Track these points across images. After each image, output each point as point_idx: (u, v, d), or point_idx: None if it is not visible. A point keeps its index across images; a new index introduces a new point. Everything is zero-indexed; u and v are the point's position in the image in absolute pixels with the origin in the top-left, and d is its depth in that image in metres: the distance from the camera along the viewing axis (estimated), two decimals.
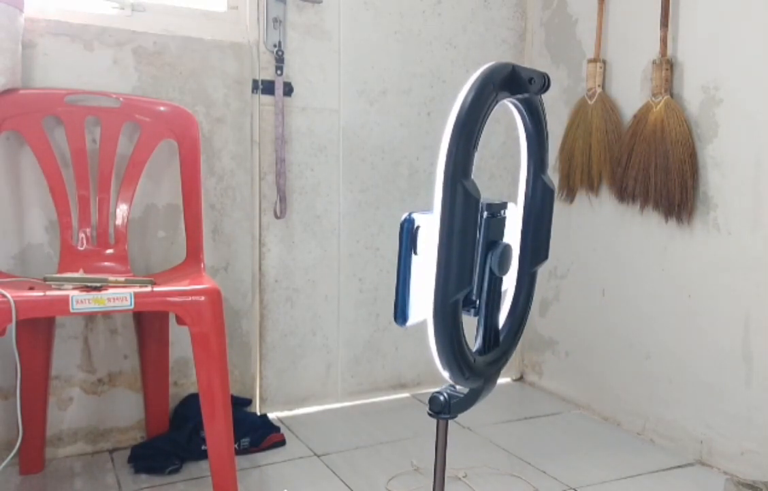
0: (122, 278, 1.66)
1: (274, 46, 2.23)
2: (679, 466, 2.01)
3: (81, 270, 1.80)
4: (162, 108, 2.01)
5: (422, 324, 1.06)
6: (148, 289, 1.59)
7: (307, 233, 2.35)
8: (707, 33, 2.01)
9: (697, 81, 2.03)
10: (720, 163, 1.98)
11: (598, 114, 2.31)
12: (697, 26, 2.03)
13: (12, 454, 1.66)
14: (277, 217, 2.27)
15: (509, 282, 1.22)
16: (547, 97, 1.16)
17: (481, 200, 1.04)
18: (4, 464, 1.69)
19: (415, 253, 1.02)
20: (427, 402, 1.16)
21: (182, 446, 1.94)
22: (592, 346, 2.44)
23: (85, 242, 1.90)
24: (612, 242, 2.34)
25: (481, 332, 1.16)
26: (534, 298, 2.53)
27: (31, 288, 1.58)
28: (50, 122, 1.89)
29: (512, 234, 1.19)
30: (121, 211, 1.94)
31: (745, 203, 1.92)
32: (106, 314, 2.00)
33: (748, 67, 1.90)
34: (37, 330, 1.81)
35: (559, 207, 2.53)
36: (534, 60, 2.65)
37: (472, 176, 0.99)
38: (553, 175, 2.52)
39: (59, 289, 1.56)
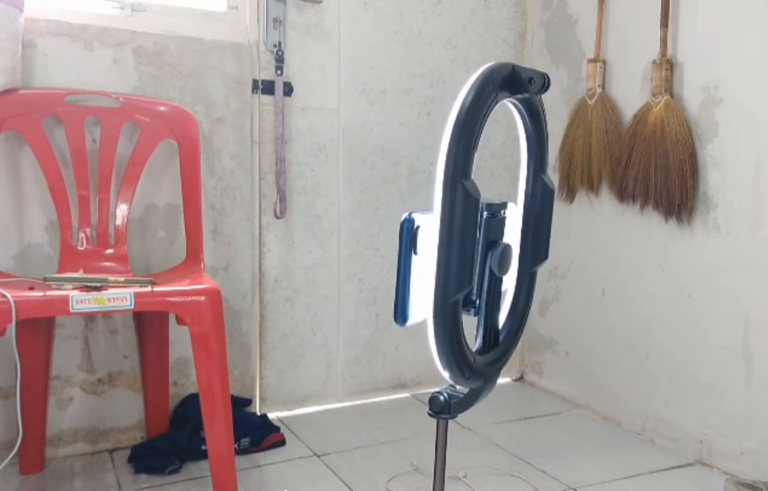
0: (122, 278, 1.66)
1: (274, 46, 2.23)
2: (679, 466, 2.01)
3: (81, 270, 1.80)
4: (162, 108, 2.01)
5: (422, 324, 1.06)
6: (148, 289, 1.59)
7: (307, 233, 2.35)
8: (707, 33, 2.01)
9: (697, 81, 2.03)
10: (720, 163, 1.98)
11: (598, 114, 2.31)
12: (697, 26, 2.03)
13: (12, 454, 1.66)
14: (277, 217, 2.27)
15: (509, 282, 1.22)
16: (547, 97, 1.16)
17: (481, 200, 1.04)
18: (4, 464, 1.69)
19: (415, 253, 1.02)
20: (427, 402, 1.16)
21: (182, 446, 1.94)
22: (592, 346, 2.44)
23: (85, 242, 1.90)
24: (612, 242, 2.34)
25: (481, 332, 1.16)
26: (534, 298, 2.54)
27: (31, 288, 1.58)
28: (50, 122, 1.89)
29: (512, 234, 1.19)
30: (121, 211, 1.94)
31: (745, 203, 1.92)
32: (106, 314, 2.00)
33: (748, 67, 1.90)
34: (37, 330, 1.81)
35: (559, 207, 2.52)
36: (534, 60, 2.65)
37: (472, 176, 0.99)
38: (553, 175, 2.52)
39: (59, 289, 1.56)
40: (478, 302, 1.12)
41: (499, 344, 1.19)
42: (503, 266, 1.11)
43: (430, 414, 1.15)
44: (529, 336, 2.73)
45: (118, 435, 2.06)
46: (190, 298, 1.63)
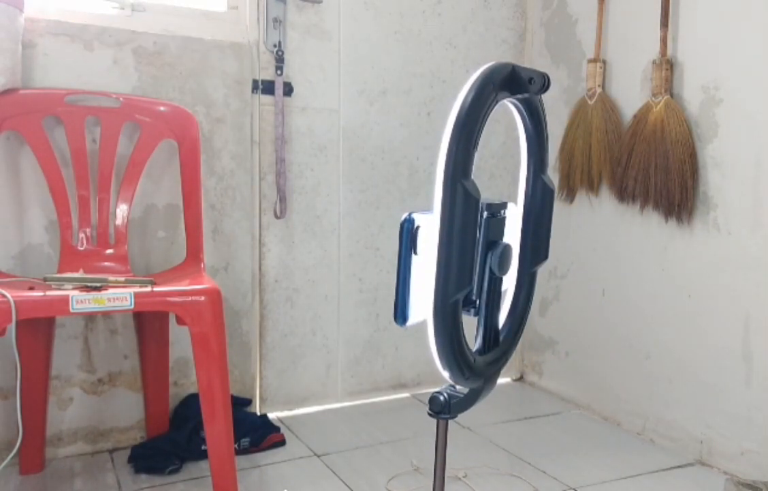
0: (122, 278, 1.66)
1: (274, 46, 2.23)
2: (679, 466, 2.01)
3: (81, 270, 1.80)
4: (162, 108, 2.01)
5: (422, 324, 1.06)
6: (148, 289, 1.59)
7: (307, 233, 2.35)
8: (707, 33, 2.01)
9: (697, 81, 2.03)
10: (720, 163, 1.98)
11: (598, 114, 2.31)
12: (697, 26, 2.03)
13: (12, 454, 1.66)
14: (277, 217, 2.27)
15: (509, 282, 1.22)
16: (547, 97, 1.16)
17: (481, 200, 1.04)
18: (4, 464, 1.70)
19: (415, 253, 1.02)
20: (427, 401, 1.16)
21: (182, 446, 1.94)
22: (592, 346, 2.44)
23: (85, 242, 1.90)
24: (612, 242, 2.34)
25: (481, 332, 1.16)
26: (534, 298, 2.54)
27: (31, 288, 1.58)
28: (50, 122, 1.89)
29: (512, 234, 1.19)
30: (121, 211, 1.94)
31: (745, 203, 1.92)
32: (106, 314, 2.00)
33: (748, 67, 1.90)
34: (37, 330, 1.81)
35: (559, 207, 2.52)
36: (534, 60, 2.65)
37: (472, 176, 0.99)
38: (553, 175, 2.52)
39: (59, 289, 1.56)
40: (478, 302, 1.12)
41: (499, 344, 1.19)
42: (503, 266, 1.11)
43: (430, 414, 1.15)
44: (529, 336, 2.73)
45: (118, 435, 2.06)
46: (190, 298, 1.63)
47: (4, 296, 1.45)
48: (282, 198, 2.26)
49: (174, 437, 1.97)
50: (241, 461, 1.93)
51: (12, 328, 1.49)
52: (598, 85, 2.33)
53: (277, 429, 2.12)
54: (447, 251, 0.98)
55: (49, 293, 1.53)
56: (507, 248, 1.11)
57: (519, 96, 1.11)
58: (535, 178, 1.19)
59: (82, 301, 1.51)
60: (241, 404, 2.18)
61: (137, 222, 2.03)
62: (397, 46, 2.45)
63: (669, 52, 2.09)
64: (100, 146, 1.93)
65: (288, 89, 2.26)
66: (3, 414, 1.90)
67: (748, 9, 1.89)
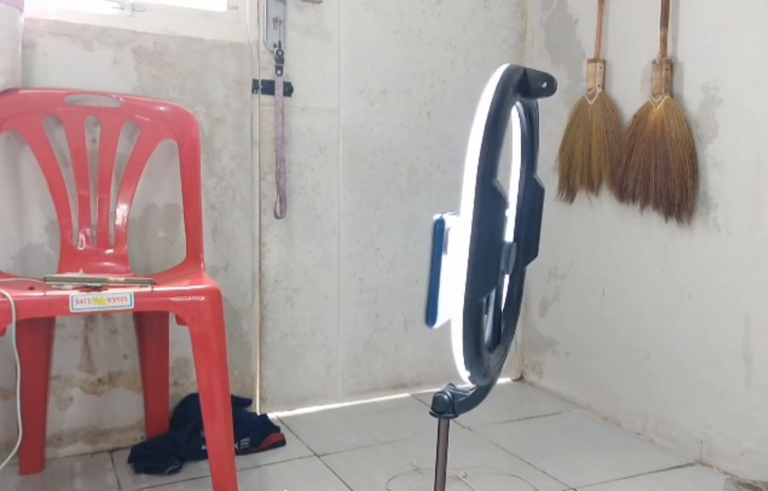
0: (122, 278, 1.65)
1: (274, 46, 2.23)
2: (679, 466, 2.01)
3: (81, 270, 1.80)
4: (162, 108, 2.01)
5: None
6: (148, 289, 1.59)
7: (307, 233, 2.35)
8: (707, 33, 2.01)
9: (697, 81, 2.03)
10: (720, 163, 1.98)
11: (598, 114, 2.31)
12: (697, 26, 2.03)
13: (12, 454, 1.66)
14: (277, 217, 2.27)
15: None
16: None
17: None
18: (4, 464, 1.69)
19: (446, 254, 1.02)
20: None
21: (182, 446, 1.94)
22: (592, 346, 2.44)
23: (85, 242, 1.90)
24: (612, 242, 2.34)
25: (490, 329, 1.16)
26: (534, 298, 2.55)
27: (31, 288, 1.58)
28: (50, 122, 1.89)
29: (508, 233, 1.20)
30: (121, 211, 1.94)
31: (745, 203, 1.92)
32: (106, 314, 2.00)
33: (748, 67, 1.90)
34: (37, 330, 1.81)
35: (559, 207, 2.53)
36: (534, 60, 2.65)
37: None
38: (553, 175, 2.52)
39: (59, 289, 1.56)
40: (485, 300, 1.13)
41: (500, 341, 1.20)
42: (510, 264, 1.12)
43: (432, 414, 1.16)
44: (529, 336, 2.73)
45: (118, 435, 2.06)
46: (190, 298, 1.63)
47: (4, 296, 1.45)
48: (282, 198, 2.26)
49: (174, 437, 1.97)
50: (241, 461, 1.93)
51: (12, 328, 1.49)
52: (598, 85, 2.33)
53: (277, 429, 2.12)
54: (478, 251, 0.99)
55: (49, 293, 1.53)
56: (513, 247, 1.12)
57: (527, 99, 1.12)
58: (527, 178, 1.20)
59: (82, 301, 1.51)
60: (241, 404, 2.18)
61: (137, 222, 2.03)
62: (397, 46, 2.45)
63: (669, 52, 2.10)
64: (100, 146, 1.93)
65: (288, 89, 2.26)
66: (3, 414, 1.90)
67: (748, 9, 1.89)
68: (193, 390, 2.13)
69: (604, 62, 2.34)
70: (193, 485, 1.83)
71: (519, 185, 1.20)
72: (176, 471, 1.89)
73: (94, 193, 1.92)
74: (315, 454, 2.04)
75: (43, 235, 1.93)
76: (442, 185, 2.57)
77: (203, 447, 1.86)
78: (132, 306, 1.56)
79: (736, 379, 1.94)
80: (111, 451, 2.03)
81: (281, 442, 2.09)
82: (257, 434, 2.05)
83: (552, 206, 2.54)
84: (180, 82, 2.07)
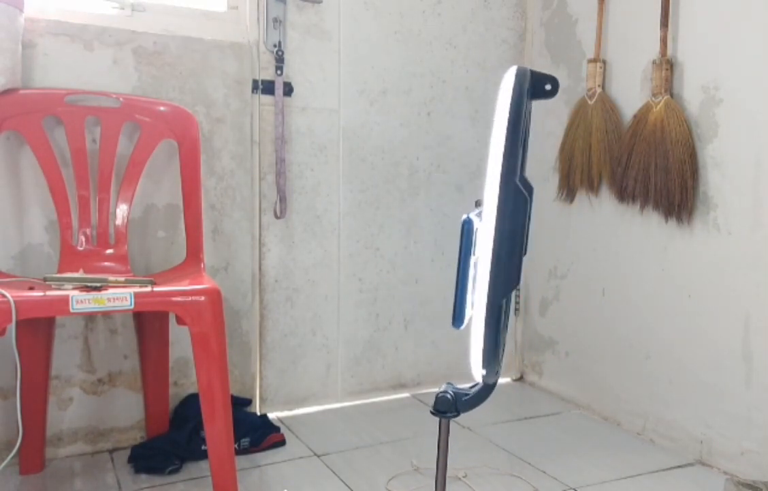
0: (122, 278, 1.65)
1: (274, 46, 2.23)
2: (679, 466, 2.01)
3: (81, 270, 1.80)
4: (162, 108, 2.00)
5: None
6: (148, 289, 1.59)
7: (307, 233, 2.35)
8: (707, 33, 2.01)
9: (697, 81, 2.03)
10: (720, 163, 1.98)
11: (598, 114, 2.31)
12: (697, 26, 2.03)
13: (12, 454, 1.66)
14: (277, 217, 2.27)
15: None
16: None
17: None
18: (4, 464, 1.69)
19: (473, 254, 1.03)
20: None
21: (182, 446, 1.94)
22: (592, 346, 2.44)
23: (85, 242, 1.90)
24: (612, 242, 2.34)
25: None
26: (534, 298, 2.55)
27: (31, 288, 1.58)
28: (50, 122, 1.89)
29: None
30: (121, 211, 1.94)
31: (745, 203, 1.92)
32: (106, 314, 2.00)
33: (748, 67, 1.90)
34: (37, 330, 1.81)
35: (559, 207, 2.53)
36: (534, 60, 2.66)
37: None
38: (553, 175, 2.53)
39: (59, 289, 1.56)
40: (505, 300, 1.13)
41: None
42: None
43: (434, 413, 1.16)
44: (529, 336, 2.73)
45: (118, 435, 2.06)
46: (190, 298, 1.63)
47: (4, 296, 1.45)
48: (282, 198, 2.26)
49: (174, 437, 1.96)
50: (241, 461, 1.93)
51: (12, 328, 1.49)
52: (598, 85, 2.33)
53: (277, 429, 2.12)
54: (502, 251, 0.99)
55: (49, 293, 1.53)
56: None
57: (530, 100, 1.13)
58: (520, 177, 1.21)
59: (82, 301, 1.51)
60: (241, 404, 2.18)
61: (137, 222, 2.03)
62: (397, 46, 2.45)
63: (669, 52, 2.10)
64: (100, 146, 1.93)
65: (288, 89, 2.26)
66: (3, 414, 1.90)
67: (748, 9, 1.89)
68: (193, 390, 2.13)
69: (604, 62, 2.34)
70: (193, 485, 1.83)
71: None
72: (176, 471, 1.89)
73: (94, 193, 1.92)
74: (315, 454, 2.04)
75: (43, 235, 1.93)
76: (442, 185, 2.57)
77: (203, 447, 1.86)
78: (132, 306, 1.56)
79: (736, 379, 1.94)
80: (111, 451, 2.03)
81: (281, 442, 2.09)
82: (257, 434, 2.05)
83: (552, 206, 2.54)
84: (180, 82, 2.07)
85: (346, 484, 1.86)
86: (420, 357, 2.58)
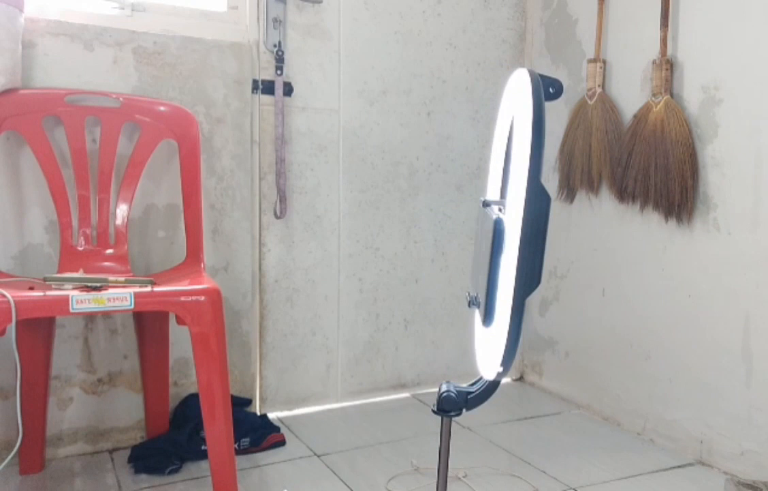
0: (122, 278, 1.65)
1: (274, 46, 2.23)
2: (679, 466, 2.01)
3: (81, 270, 1.80)
4: (162, 108, 2.01)
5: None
6: (148, 289, 1.59)
7: (307, 233, 2.35)
8: (707, 33, 2.01)
9: (697, 81, 2.03)
10: (720, 163, 1.98)
11: (598, 114, 2.31)
12: (697, 26, 2.03)
13: (12, 454, 1.66)
14: (277, 217, 2.27)
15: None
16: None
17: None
18: (4, 464, 1.69)
19: (502, 253, 1.04)
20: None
21: (182, 446, 1.94)
22: (592, 346, 2.44)
23: (84, 242, 1.90)
24: (612, 242, 2.34)
25: None
26: (534, 298, 2.55)
27: (31, 288, 1.58)
28: (50, 122, 1.89)
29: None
30: (121, 211, 1.94)
31: (745, 203, 1.92)
32: (106, 314, 2.00)
33: (748, 67, 1.90)
34: (37, 330, 1.81)
35: (559, 207, 2.53)
36: (534, 60, 2.66)
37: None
38: (553, 175, 2.52)
39: (59, 289, 1.56)
40: None
41: None
42: None
43: (437, 413, 1.16)
44: (529, 336, 2.73)
45: (118, 435, 2.06)
46: (190, 298, 1.63)
47: (4, 296, 1.45)
48: (282, 198, 2.26)
49: (174, 437, 1.97)
50: (241, 461, 1.93)
51: (12, 328, 1.49)
52: (598, 85, 2.33)
53: (277, 429, 2.12)
54: (530, 250, 1.00)
55: (49, 293, 1.53)
56: None
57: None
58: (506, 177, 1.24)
59: (82, 301, 1.51)
60: (241, 404, 2.18)
61: (137, 222, 2.03)
62: (397, 46, 2.45)
63: (669, 52, 2.10)
64: (100, 146, 1.93)
65: (288, 89, 2.26)
66: (3, 414, 1.90)
67: (748, 9, 1.90)
68: (193, 390, 2.13)
69: (604, 62, 2.34)
70: (193, 485, 1.83)
71: (502, 183, 1.24)
72: (176, 471, 1.89)
73: (94, 193, 1.92)
74: (315, 454, 2.04)
75: (43, 235, 1.93)
76: (442, 185, 2.57)
77: (203, 447, 1.86)
78: (132, 306, 1.56)
79: (736, 379, 1.94)
80: (111, 451, 2.03)
81: (281, 442, 2.09)
82: (257, 434, 2.05)
83: (552, 206, 2.54)
84: (180, 82, 2.07)
85: (346, 484, 1.86)
86: (420, 357, 2.58)
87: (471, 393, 1.16)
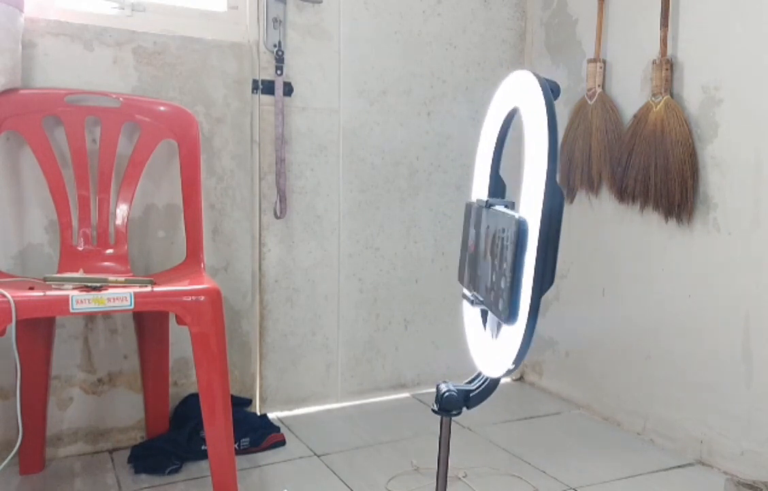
0: (122, 278, 1.65)
1: (274, 46, 2.23)
2: (679, 466, 2.01)
3: (81, 270, 1.80)
4: (162, 108, 2.01)
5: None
6: (148, 289, 1.59)
7: (307, 233, 2.35)
8: (707, 33, 2.01)
9: (697, 81, 2.03)
10: (720, 163, 1.98)
11: (598, 114, 2.31)
12: (697, 26, 2.03)
13: (12, 454, 1.66)
14: (277, 217, 2.27)
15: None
16: None
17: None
18: (4, 464, 1.69)
19: (526, 252, 1.06)
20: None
21: (182, 446, 1.94)
22: (592, 346, 2.44)
23: (84, 242, 1.90)
24: (612, 242, 2.34)
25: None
26: None
27: (31, 288, 1.58)
28: (50, 122, 1.89)
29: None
30: (121, 211, 1.94)
31: (745, 203, 1.92)
32: (106, 314, 2.00)
33: (748, 67, 1.90)
34: (37, 330, 1.81)
35: None
36: (534, 60, 2.66)
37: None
38: None
39: (59, 289, 1.56)
40: None
41: None
42: None
43: (438, 413, 1.16)
44: None
45: (118, 435, 2.06)
46: (190, 298, 1.63)
47: (4, 296, 1.45)
48: (282, 198, 2.26)
49: (174, 437, 1.97)
50: (241, 461, 1.93)
51: (12, 328, 1.49)
52: (598, 85, 2.33)
53: (277, 429, 2.12)
54: (547, 249, 1.02)
55: (49, 293, 1.53)
56: None
57: None
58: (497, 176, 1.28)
59: (82, 301, 1.51)
60: (241, 404, 2.18)
61: (137, 222, 2.03)
62: (397, 46, 2.45)
63: (669, 52, 2.10)
64: (100, 146, 1.93)
65: (288, 89, 2.26)
66: (3, 414, 1.90)
67: (749, 9, 1.90)
68: (193, 390, 2.13)
69: (604, 62, 2.34)
70: (193, 485, 1.83)
71: (491, 181, 1.30)
72: (176, 471, 1.89)
73: (94, 193, 1.92)
74: (315, 454, 2.04)
75: (43, 235, 1.93)
76: (442, 185, 2.57)
77: (203, 447, 1.86)
78: (132, 306, 1.56)
79: (736, 379, 1.94)
80: (111, 451, 2.03)
81: (281, 442, 2.09)
82: (257, 434, 2.05)
83: None
84: (180, 82, 2.07)
85: (346, 484, 1.86)
86: (420, 357, 2.58)
87: (472, 391, 1.16)
